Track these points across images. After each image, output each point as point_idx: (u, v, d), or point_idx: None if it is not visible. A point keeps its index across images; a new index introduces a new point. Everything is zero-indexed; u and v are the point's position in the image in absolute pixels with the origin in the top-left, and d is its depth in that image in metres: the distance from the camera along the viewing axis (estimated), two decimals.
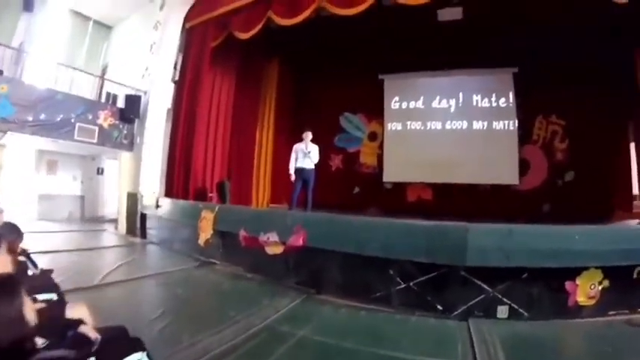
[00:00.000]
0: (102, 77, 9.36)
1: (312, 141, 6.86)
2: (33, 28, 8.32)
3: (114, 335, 1.90)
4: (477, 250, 3.46)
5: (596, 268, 3.47)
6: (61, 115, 7.19)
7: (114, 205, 9.64)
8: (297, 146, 6.89)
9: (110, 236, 8.09)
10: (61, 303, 2.28)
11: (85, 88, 8.55)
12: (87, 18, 9.81)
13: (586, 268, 3.46)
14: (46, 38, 8.34)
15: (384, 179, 10.25)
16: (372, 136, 10.72)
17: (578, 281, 3.48)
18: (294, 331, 3.12)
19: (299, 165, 6.73)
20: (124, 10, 9.51)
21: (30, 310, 1.33)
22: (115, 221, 8.99)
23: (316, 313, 3.67)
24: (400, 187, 10.07)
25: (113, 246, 7.07)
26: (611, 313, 3.57)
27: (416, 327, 3.42)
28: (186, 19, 8.55)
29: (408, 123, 10.21)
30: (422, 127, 10.09)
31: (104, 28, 10.24)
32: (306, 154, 6.66)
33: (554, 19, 7.29)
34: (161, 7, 8.59)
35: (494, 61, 9.17)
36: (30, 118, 6.77)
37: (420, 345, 2.98)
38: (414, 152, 9.93)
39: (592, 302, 3.53)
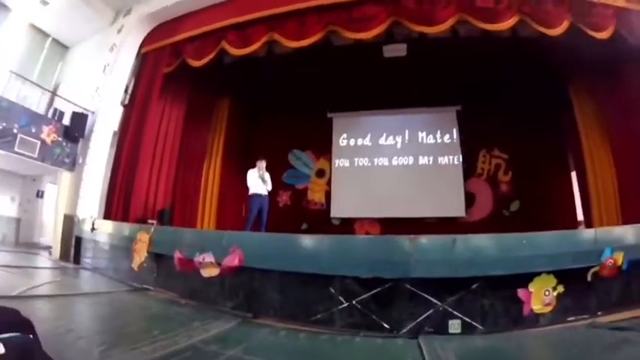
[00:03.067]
0: (52, 92, 8.97)
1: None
2: None
3: (2, 312, 1.75)
4: (422, 262, 3.31)
5: (548, 273, 3.41)
6: (4, 124, 6.74)
7: (52, 231, 8.85)
8: (252, 172, 7.01)
9: (41, 259, 7.42)
10: None
11: (33, 103, 8.18)
12: (46, 35, 9.50)
13: (538, 274, 3.39)
14: (3, 46, 7.97)
15: (332, 215, 10.21)
16: (320, 173, 10.79)
17: (531, 288, 3.38)
18: (222, 351, 2.76)
19: (255, 191, 6.85)
20: (84, 32, 9.29)
21: None
22: (51, 248, 8.22)
23: (250, 335, 3.32)
24: (348, 223, 10.03)
25: (41, 267, 6.50)
26: (570, 319, 3.49)
27: (361, 347, 3.13)
28: (143, 44, 8.55)
29: (356, 159, 10.43)
30: (369, 164, 10.32)
31: (61, 47, 9.92)
32: (266, 181, 6.91)
33: (494, 60, 7.90)
34: (119, 31, 8.53)
35: (439, 100, 9.72)
36: None
37: None
38: (361, 188, 10.04)
39: (549, 309, 3.43)
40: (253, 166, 7.12)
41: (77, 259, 7.10)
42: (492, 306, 3.36)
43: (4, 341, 1.53)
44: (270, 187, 7.05)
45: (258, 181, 6.89)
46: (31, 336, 1.69)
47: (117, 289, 5.10)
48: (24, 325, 1.76)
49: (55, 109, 8.32)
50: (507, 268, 3.34)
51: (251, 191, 6.92)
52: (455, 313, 3.33)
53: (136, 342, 2.77)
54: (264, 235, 4.49)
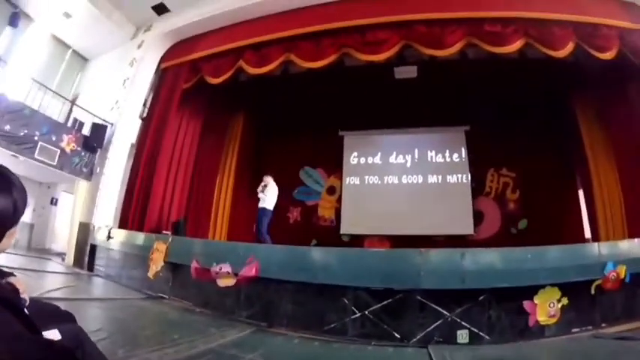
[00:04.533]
0: (72, 102, 9.24)
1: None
2: (14, 43, 8.29)
3: (45, 305, 1.86)
4: (432, 273, 3.47)
5: (552, 285, 3.52)
6: (26, 131, 6.97)
7: (63, 238, 9.04)
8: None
9: (55, 265, 7.56)
10: None
11: (54, 112, 8.39)
12: (67, 46, 9.86)
13: (542, 287, 3.50)
14: (25, 55, 8.30)
15: (342, 231, 10.31)
16: (331, 190, 10.96)
17: (536, 300, 3.50)
18: (240, 355, 2.89)
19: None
20: (104, 45, 9.62)
21: None
22: (62, 254, 8.41)
23: (266, 342, 3.46)
24: (357, 240, 10.06)
25: (56, 272, 6.60)
26: (574, 330, 3.60)
27: (373, 356, 3.26)
28: (162, 59, 8.87)
29: (366, 177, 10.59)
30: (379, 182, 10.47)
31: (81, 59, 10.29)
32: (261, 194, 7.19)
33: (501, 81, 8.14)
34: (139, 46, 8.84)
35: (448, 120, 9.96)
36: None
37: None
38: (371, 205, 10.15)
39: (553, 321, 3.54)
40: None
41: (91, 267, 7.24)
42: (499, 317, 3.49)
43: (61, 330, 1.68)
44: (266, 200, 7.11)
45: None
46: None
47: (132, 296, 5.25)
48: (68, 316, 1.92)
49: (75, 120, 8.60)
50: (513, 281, 3.48)
51: None
52: (463, 323, 3.46)
53: (158, 344, 2.91)
54: (280, 248, 4.63)
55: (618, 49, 6.09)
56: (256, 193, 7.38)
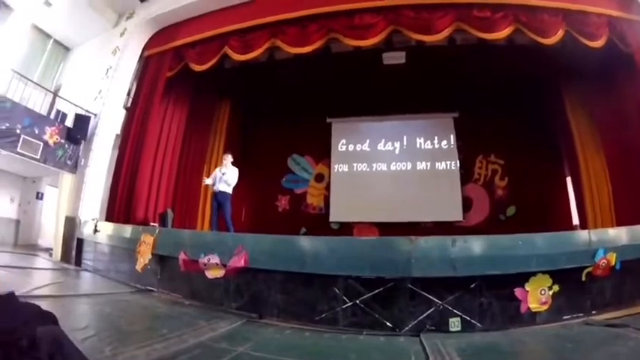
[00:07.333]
0: (54, 93, 8.97)
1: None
2: None
3: (25, 305, 1.86)
4: (423, 261, 3.44)
5: (544, 273, 3.53)
6: (7, 124, 6.74)
7: (50, 233, 8.86)
8: (217, 169, 7.08)
9: (42, 261, 7.43)
10: None
11: (36, 104, 8.08)
12: (48, 36, 9.56)
13: (534, 274, 3.51)
14: (5, 46, 7.98)
15: (331, 219, 10.28)
16: (319, 178, 10.90)
17: (527, 287, 3.51)
18: (231, 348, 2.85)
19: (215, 188, 6.79)
20: (86, 34, 9.37)
21: None
22: (50, 250, 8.23)
23: (257, 334, 3.42)
24: (347, 227, 10.08)
25: (43, 268, 6.50)
26: (565, 317, 3.62)
27: (365, 345, 3.22)
28: (145, 47, 8.65)
29: (355, 164, 10.57)
30: (368, 169, 10.47)
31: (63, 48, 9.99)
32: (220, 177, 6.72)
33: (490, 67, 8.12)
34: (122, 34, 8.61)
35: (436, 107, 9.95)
36: None
37: (371, 358, 2.81)
38: (360, 193, 10.14)
39: (545, 308, 3.55)
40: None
41: (78, 261, 7.11)
42: (490, 304, 3.49)
43: (39, 332, 1.61)
44: (231, 183, 6.72)
45: (217, 178, 6.77)
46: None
47: (120, 290, 5.17)
48: (49, 317, 1.86)
49: (58, 111, 8.33)
50: (504, 268, 3.48)
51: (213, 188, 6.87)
52: (455, 311, 3.45)
53: (146, 340, 2.85)
54: (269, 237, 4.56)
55: (607, 37, 6.09)
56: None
